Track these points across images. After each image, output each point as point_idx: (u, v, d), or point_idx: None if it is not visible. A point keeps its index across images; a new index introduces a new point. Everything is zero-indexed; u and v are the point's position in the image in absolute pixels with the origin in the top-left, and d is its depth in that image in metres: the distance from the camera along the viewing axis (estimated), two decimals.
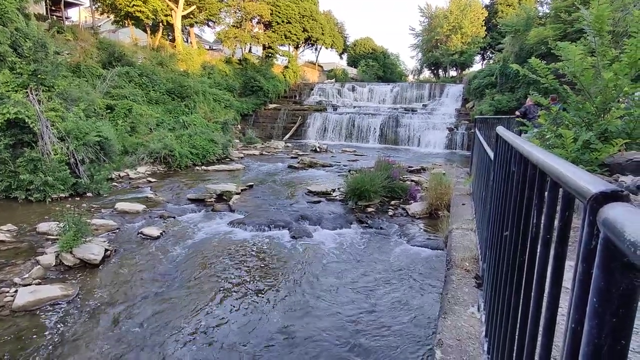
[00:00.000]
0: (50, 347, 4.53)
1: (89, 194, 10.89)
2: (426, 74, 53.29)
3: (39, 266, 6.29)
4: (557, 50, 4.80)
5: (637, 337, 1.70)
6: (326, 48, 43.16)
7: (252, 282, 6.34)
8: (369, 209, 9.98)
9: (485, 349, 2.03)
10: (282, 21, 34.84)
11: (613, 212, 0.59)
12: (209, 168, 16.10)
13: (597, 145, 4.12)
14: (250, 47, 36.56)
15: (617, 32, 12.56)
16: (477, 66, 44.32)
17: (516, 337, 1.31)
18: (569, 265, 0.86)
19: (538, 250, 1.13)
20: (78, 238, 6.72)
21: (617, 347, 0.57)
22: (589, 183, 0.73)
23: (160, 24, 27.74)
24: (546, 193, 1.10)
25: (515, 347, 1.31)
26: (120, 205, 9.66)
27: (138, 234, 8.06)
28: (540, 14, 25.84)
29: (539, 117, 5.90)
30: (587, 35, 4.77)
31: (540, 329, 1.02)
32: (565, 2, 19.68)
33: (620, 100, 4.67)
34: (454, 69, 46.66)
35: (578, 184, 0.78)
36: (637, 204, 2.76)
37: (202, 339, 4.75)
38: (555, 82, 5.04)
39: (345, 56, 53.73)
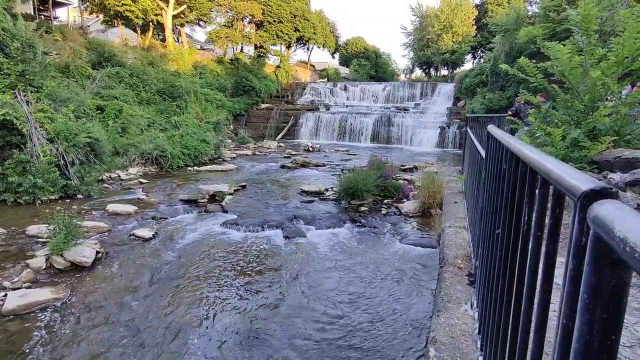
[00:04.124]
0: (41, 351, 4.46)
1: (79, 196, 10.75)
2: (418, 73, 53.61)
3: (29, 269, 6.19)
4: (545, 50, 4.86)
5: (626, 332, 1.73)
6: (318, 47, 43.18)
7: (245, 283, 6.31)
8: (362, 208, 10.00)
9: (479, 345, 2.04)
10: (274, 21, 34.74)
11: (603, 209, 0.60)
12: (201, 168, 15.99)
13: (585, 143, 4.17)
14: (241, 47, 36.40)
15: (605, 31, 12.75)
16: (468, 65, 44.72)
17: (509, 333, 1.33)
18: (560, 262, 0.87)
19: (529, 248, 1.14)
20: (69, 240, 6.63)
21: (607, 342, 0.58)
22: (579, 180, 0.73)
23: (151, 24, 27.50)
24: (537, 191, 1.12)
25: (508, 343, 1.33)
26: (111, 207, 9.56)
27: (130, 236, 7.98)
28: (530, 13, 26.12)
29: (529, 115, 5.96)
30: (575, 34, 4.83)
31: (533, 325, 1.03)
32: (554, 2, 19.89)
33: (609, 98, 4.73)
34: (446, 67, 46.97)
35: (568, 182, 0.78)
36: (625, 201, 2.81)
37: (194, 340, 4.72)
38: (545, 81, 5.10)
39: (337, 56, 53.78)
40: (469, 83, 27.69)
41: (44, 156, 10.33)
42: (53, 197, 10.31)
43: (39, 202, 9.99)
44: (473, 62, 45.97)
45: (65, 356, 4.40)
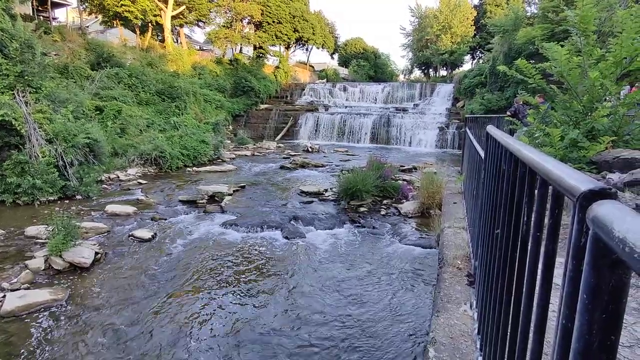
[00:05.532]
0: (39, 353, 4.45)
1: (78, 197, 10.73)
2: (417, 73, 53.72)
3: (28, 270, 6.18)
4: (543, 51, 4.86)
5: (625, 332, 1.74)
6: (317, 48, 43.20)
7: (244, 284, 6.31)
8: (362, 209, 10.00)
9: (478, 346, 2.05)
10: (273, 21, 34.76)
11: (602, 209, 0.60)
12: (201, 169, 15.98)
13: (584, 143, 4.18)
14: (241, 48, 36.41)
15: (603, 32, 12.77)
16: (467, 66, 44.79)
17: (508, 333, 1.33)
18: (559, 262, 0.87)
19: (529, 248, 1.14)
20: (67, 241, 6.61)
21: (607, 342, 0.58)
22: (578, 181, 0.73)
23: (150, 24, 27.49)
24: (536, 191, 1.12)
25: (507, 344, 1.33)
26: (110, 208, 9.54)
27: (129, 237, 7.97)
28: (528, 14, 26.15)
29: (528, 115, 5.97)
30: (573, 35, 4.84)
31: (532, 325, 1.03)
32: (553, 3, 19.93)
33: (607, 99, 4.74)
34: (445, 68, 47.03)
35: (567, 182, 0.79)
36: (624, 202, 2.81)
37: (193, 342, 4.72)
38: (543, 81, 5.10)
39: (336, 56, 53.85)
40: (467, 84, 27.72)
41: (42, 157, 10.31)
42: (52, 198, 10.28)
43: (38, 202, 9.96)
44: (472, 63, 46.06)
45: (64, 358, 4.39)
